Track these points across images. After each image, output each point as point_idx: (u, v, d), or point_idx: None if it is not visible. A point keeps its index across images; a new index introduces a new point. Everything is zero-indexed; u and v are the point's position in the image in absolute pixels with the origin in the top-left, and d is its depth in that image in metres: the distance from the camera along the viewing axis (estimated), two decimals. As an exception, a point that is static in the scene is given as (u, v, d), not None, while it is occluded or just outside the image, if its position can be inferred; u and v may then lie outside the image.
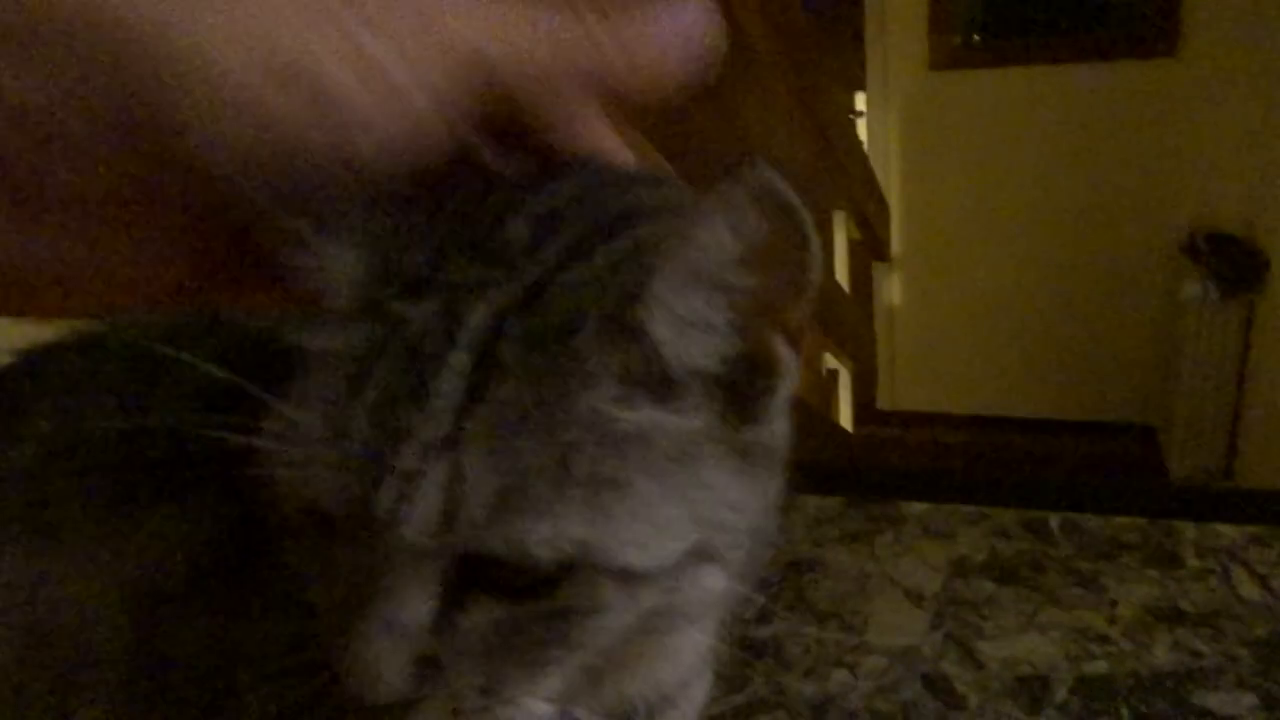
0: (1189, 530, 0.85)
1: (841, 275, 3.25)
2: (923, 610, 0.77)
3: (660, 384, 0.25)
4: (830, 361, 3.20)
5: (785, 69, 2.01)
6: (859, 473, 1.01)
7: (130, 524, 0.32)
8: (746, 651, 0.73)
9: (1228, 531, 0.84)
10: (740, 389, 0.27)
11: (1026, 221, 3.45)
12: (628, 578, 0.25)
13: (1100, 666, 0.69)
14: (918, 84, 3.49)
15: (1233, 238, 2.96)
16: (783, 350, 0.27)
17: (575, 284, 0.25)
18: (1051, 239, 3.44)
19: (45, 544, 0.33)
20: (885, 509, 0.92)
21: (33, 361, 0.38)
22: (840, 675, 0.71)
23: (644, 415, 0.25)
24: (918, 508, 0.92)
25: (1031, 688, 0.68)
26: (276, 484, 0.25)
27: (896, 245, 3.65)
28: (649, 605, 0.26)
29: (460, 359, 0.24)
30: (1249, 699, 0.65)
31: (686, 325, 0.25)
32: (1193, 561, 0.81)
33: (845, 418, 3.31)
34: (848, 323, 2.97)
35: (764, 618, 0.77)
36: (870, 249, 3.44)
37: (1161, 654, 0.70)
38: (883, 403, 3.81)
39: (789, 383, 0.28)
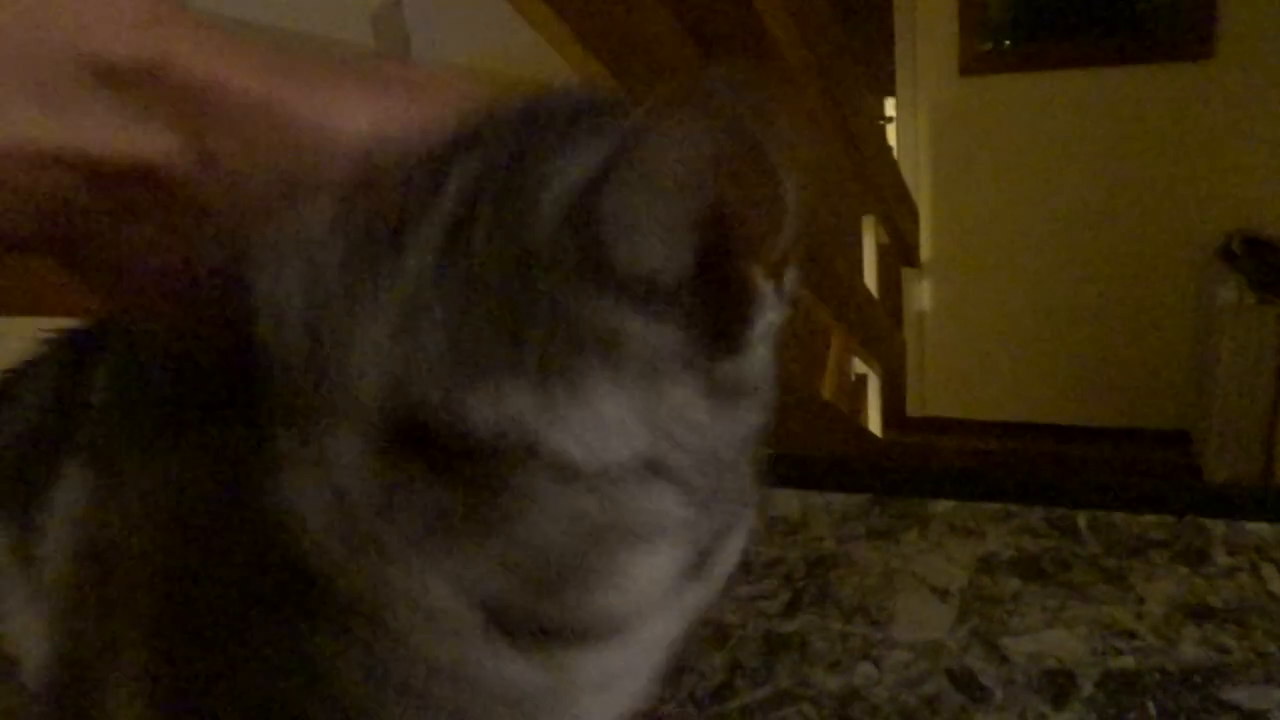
0: (1218, 528, 0.84)
1: (871, 281, 3.24)
2: (948, 606, 0.77)
3: (625, 288, 0.25)
4: (859, 367, 3.19)
5: (814, 74, 2.02)
6: (885, 470, 1.01)
7: (168, 453, 0.33)
8: (772, 645, 0.74)
9: (1258, 529, 0.83)
10: (714, 317, 0.27)
11: (1058, 227, 3.42)
12: (565, 473, 0.25)
13: (1127, 662, 0.69)
14: (948, 89, 3.48)
15: (1269, 242, 2.92)
16: (761, 281, 0.27)
17: (543, 159, 0.26)
18: (1084, 244, 3.40)
19: (104, 472, 0.35)
20: (911, 506, 0.92)
21: (93, 329, 0.40)
22: (865, 669, 0.71)
23: (607, 313, 0.25)
24: (944, 505, 0.92)
25: (1057, 682, 0.68)
26: (272, 371, 0.26)
27: (926, 251, 3.63)
28: (590, 513, 0.26)
29: (443, 209, 0.25)
30: (1278, 694, 0.65)
31: (637, 227, 0.25)
32: (1222, 559, 0.80)
33: (874, 423, 3.31)
34: (876, 328, 2.97)
35: (789, 612, 0.78)
36: (900, 255, 3.43)
37: (1189, 649, 0.70)
38: (912, 409, 3.79)
39: (770, 315, 0.27)
